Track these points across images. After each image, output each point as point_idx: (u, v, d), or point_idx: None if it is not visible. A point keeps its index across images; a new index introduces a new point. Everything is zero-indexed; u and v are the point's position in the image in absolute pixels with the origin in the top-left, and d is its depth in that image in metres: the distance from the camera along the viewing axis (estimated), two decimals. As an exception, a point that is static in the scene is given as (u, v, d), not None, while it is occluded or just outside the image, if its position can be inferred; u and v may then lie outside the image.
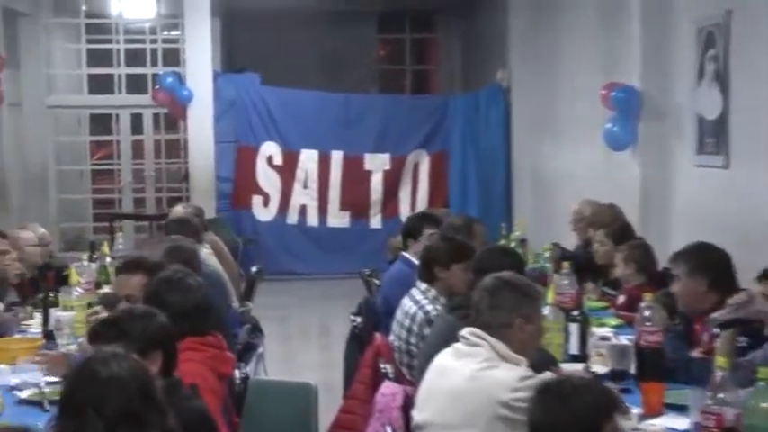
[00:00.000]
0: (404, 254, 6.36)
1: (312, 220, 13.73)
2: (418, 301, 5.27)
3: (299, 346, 10.46)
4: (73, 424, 2.60)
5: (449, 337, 3.99)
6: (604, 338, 4.92)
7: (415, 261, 5.95)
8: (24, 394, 4.34)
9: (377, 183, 13.71)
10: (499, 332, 3.73)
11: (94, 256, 7.37)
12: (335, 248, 13.52)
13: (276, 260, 12.91)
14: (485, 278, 3.92)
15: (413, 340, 5.19)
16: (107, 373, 2.68)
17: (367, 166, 13.71)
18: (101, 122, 15.15)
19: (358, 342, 6.00)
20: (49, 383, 4.37)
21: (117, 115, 14.72)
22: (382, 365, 4.98)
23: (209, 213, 11.33)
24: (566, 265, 5.55)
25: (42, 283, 6.41)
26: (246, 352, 5.66)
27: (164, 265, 4.80)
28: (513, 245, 7.00)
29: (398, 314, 5.36)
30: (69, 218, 14.64)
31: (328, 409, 5.20)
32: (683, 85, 7.87)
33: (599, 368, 4.52)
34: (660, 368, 4.18)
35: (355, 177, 13.65)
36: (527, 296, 3.83)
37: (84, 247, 11.72)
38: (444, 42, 16.78)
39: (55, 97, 14.37)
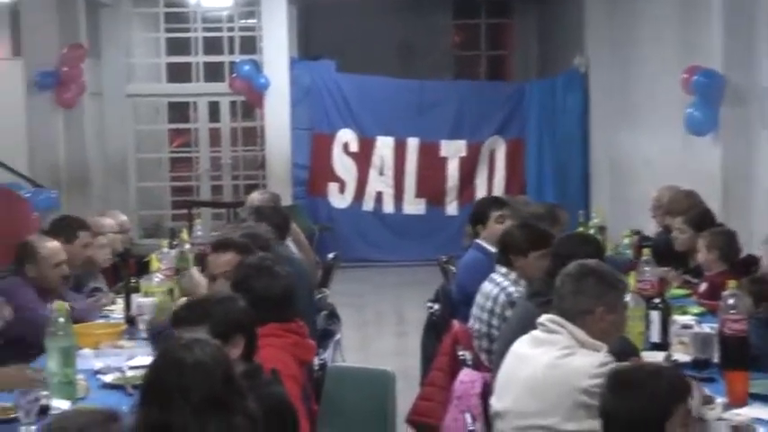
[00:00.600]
0: (477, 240, 6.34)
1: (388, 207, 13.75)
2: (499, 284, 5.24)
3: (374, 333, 10.48)
4: (157, 410, 2.62)
5: (527, 324, 3.96)
6: (686, 327, 4.84)
7: (488, 246, 5.91)
8: (108, 378, 4.41)
9: (453, 169, 13.67)
10: (579, 319, 3.69)
11: (174, 243, 7.45)
12: (411, 235, 13.52)
13: (352, 247, 12.93)
14: (570, 264, 3.87)
15: (495, 322, 5.15)
16: (192, 359, 2.70)
17: (443, 153, 13.67)
18: (179, 110, 15.32)
19: (435, 329, 5.99)
20: (131, 368, 4.44)
21: (195, 103, 14.87)
22: (460, 352, 4.96)
23: (286, 200, 11.38)
24: (646, 252, 5.47)
25: (124, 269, 6.52)
26: (324, 339, 5.67)
27: (252, 247, 4.83)
28: (591, 232, 6.93)
29: (479, 298, 5.33)
30: (148, 205, 14.84)
31: (405, 396, 5.19)
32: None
33: (681, 357, 4.46)
34: (745, 357, 4.11)
35: (431, 164, 13.63)
36: (612, 286, 3.78)
37: (162, 234, 11.88)
38: (520, 28, 16.65)
39: (134, 86, 14.56)
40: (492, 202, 6.74)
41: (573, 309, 3.71)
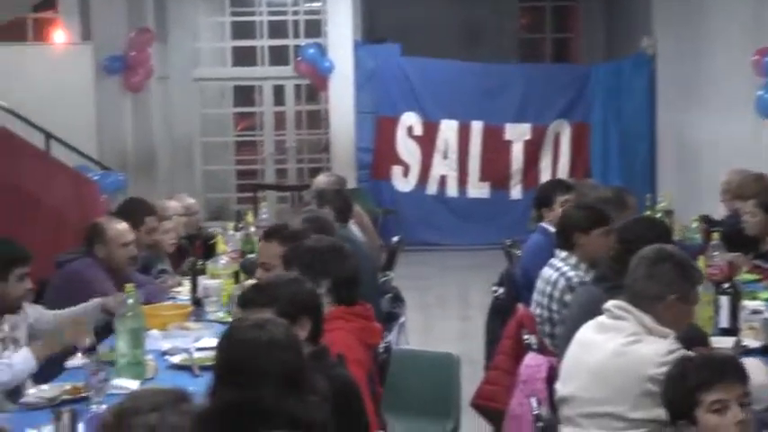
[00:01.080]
0: (541, 224, 6.29)
1: (452, 190, 13.72)
2: (559, 269, 5.20)
3: (438, 316, 10.47)
4: (234, 390, 2.63)
5: (592, 309, 3.92)
6: (756, 312, 4.77)
7: (552, 230, 5.87)
8: (175, 359, 4.46)
9: (517, 153, 13.59)
10: (649, 304, 3.64)
11: (240, 226, 7.52)
12: (475, 219, 13.48)
13: (415, 231, 12.91)
14: (649, 247, 3.80)
15: (554, 307, 5.13)
16: (266, 338, 2.70)
17: (507, 136, 13.60)
18: (244, 94, 15.42)
19: (500, 313, 5.96)
20: (198, 350, 4.48)
21: (260, 87, 14.94)
22: (525, 336, 4.93)
23: (350, 184, 11.39)
24: (715, 236, 5.38)
25: (190, 251, 6.58)
26: (388, 321, 5.68)
27: (300, 234, 4.84)
28: (658, 216, 6.84)
29: (539, 283, 5.30)
30: (213, 188, 14.96)
31: (468, 380, 5.18)
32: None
33: (750, 342, 4.39)
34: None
35: (495, 147, 13.56)
36: (687, 275, 3.71)
37: (227, 216, 11.99)
38: (586, 10, 16.46)
39: (200, 70, 14.67)
40: (557, 185, 6.69)
41: (643, 293, 3.66)
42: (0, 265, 4.46)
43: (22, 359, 4.16)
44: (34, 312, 4.76)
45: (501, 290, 6.16)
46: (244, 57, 14.93)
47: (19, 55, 12.31)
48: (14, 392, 4.29)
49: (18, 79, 11.73)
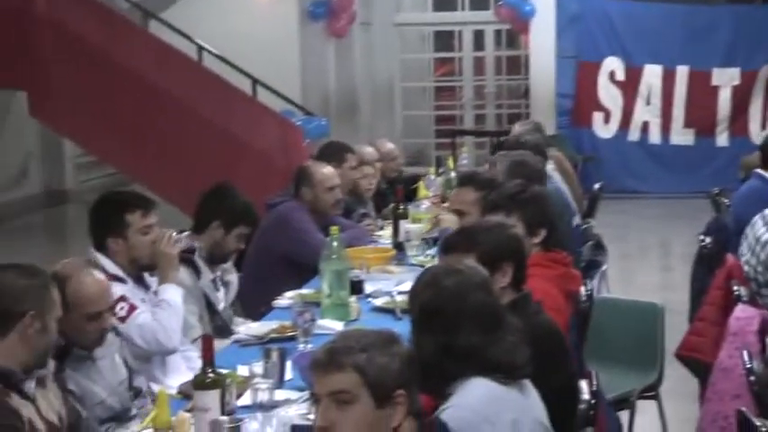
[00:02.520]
0: (758, 170, 6.01)
1: (654, 137, 13.33)
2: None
3: (638, 266, 10.23)
4: (431, 336, 2.63)
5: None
6: None
7: (770, 176, 5.60)
8: (378, 302, 4.51)
9: (724, 99, 13.07)
10: None
11: (440, 171, 7.54)
12: (678, 167, 13.10)
13: (615, 178, 12.60)
14: None
15: (760, 269, 4.86)
16: (460, 282, 2.68)
17: (714, 82, 13.09)
18: (444, 39, 15.38)
19: (706, 263, 5.75)
20: (400, 293, 4.51)
21: (460, 32, 14.87)
22: (735, 287, 4.73)
23: (549, 130, 11.23)
24: None
25: (391, 196, 6.63)
26: (590, 269, 5.57)
27: (497, 180, 4.78)
28: None
29: (748, 237, 5.03)
30: (412, 134, 15.04)
31: (672, 330, 5.04)
32: None
33: None
34: None
35: (701, 93, 13.09)
36: None
37: (425, 162, 12.04)
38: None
39: (402, 15, 14.72)
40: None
41: None
42: (229, 217, 4.56)
43: (172, 293, 4.01)
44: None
45: (708, 239, 5.93)
46: (444, 2, 14.88)
47: (227, 3, 12.65)
48: (224, 329, 4.44)
49: (225, 26, 12.08)
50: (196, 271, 4.42)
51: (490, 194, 4.35)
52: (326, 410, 2.25)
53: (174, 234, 4.11)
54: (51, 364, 3.25)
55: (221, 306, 4.55)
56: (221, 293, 4.61)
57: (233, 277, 4.78)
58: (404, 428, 2.23)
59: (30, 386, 2.98)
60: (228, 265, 4.78)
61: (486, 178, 4.90)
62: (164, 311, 3.91)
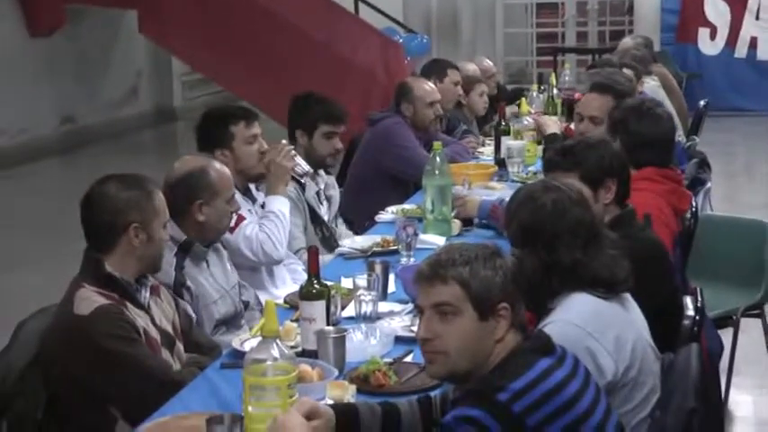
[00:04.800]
0: None
1: (763, 53, 12.86)
2: None
3: (743, 184, 9.97)
4: (533, 252, 2.60)
5: None
6: None
7: None
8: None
9: (836, 12, 12.56)
10: None
11: (542, 88, 7.43)
12: (787, 84, 12.67)
13: (721, 96, 12.24)
14: None
15: None
16: (555, 199, 2.64)
17: (825, -6, 12.57)
18: (547, -45, 15.03)
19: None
20: (502, 208, 4.47)
21: (563, -53, 14.52)
22: None
23: (654, 47, 10.95)
24: None
25: (493, 112, 6.57)
26: (694, 187, 5.45)
27: (631, 93, 4.66)
28: None
29: None
30: (513, 51, 14.80)
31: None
32: None
33: None
34: None
35: (813, 6, 12.58)
36: None
37: (526, 80, 11.87)
38: None
39: (504, -68, 14.41)
40: None
41: None
42: (306, 121, 4.57)
43: (281, 205, 4.04)
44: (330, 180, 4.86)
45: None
46: None
47: None
48: (329, 241, 4.47)
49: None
50: (301, 185, 4.44)
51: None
52: (429, 322, 2.24)
53: (291, 149, 4.15)
54: (172, 263, 3.33)
55: (325, 218, 4.58)
56: (324, 207, 4.63)
57: (335, 192, 4.80)
58: (507, 341, 2.22)
59: (144, 295, 3.05)
60: (331, 180, 4.79)
61: (622, 89, 4.77)
62: (271, 222, 3.95)
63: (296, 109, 4.66)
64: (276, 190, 4.06)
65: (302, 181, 4.41)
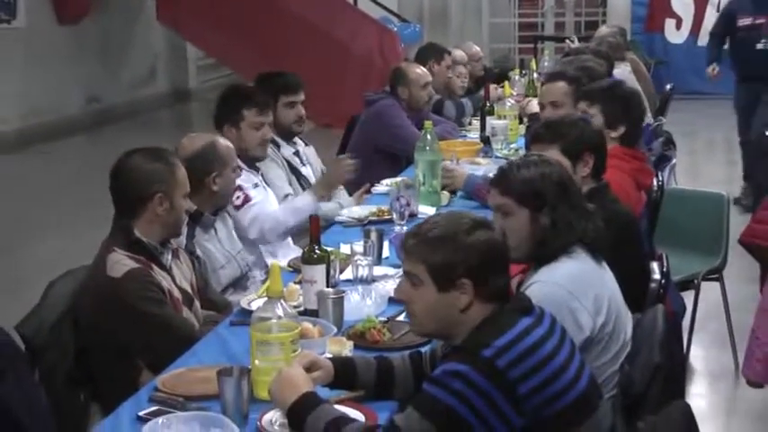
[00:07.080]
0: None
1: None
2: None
3: (705, 160, 9.97)
4: (545, 213, 2.58)
5: None
6: None
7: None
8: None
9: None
10: None
11: (523, 72, 7.40)
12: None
13: (685, 81, 12.15)
14: None
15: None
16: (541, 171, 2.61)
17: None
18: (528, -49, 14.92)
19: (769, 157, 5.57)
20: (486, 181, 4.44)
21: (543, -56, 14.40)
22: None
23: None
24: None
25: (477, 93, 6.55)
26: (660, 163, 5.44)
27: (580, 78, 4.63)
28: None
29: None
30: (498, 39, 14.72)
31: (735, 220, 4.92)
32: None
33: None
34: None
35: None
36: None
37: (510, 65, 11.79)
38: None
39: (489, -73, 14.29)
40: None
41: None
42: (264, 98, 4.24)
43: (306, 203, 4.07)
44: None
45: (771, 135, 5.74)
46: None
47: None
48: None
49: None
50: (276, 144, 4.41)
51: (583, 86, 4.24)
52: (401, 286, 2.28)
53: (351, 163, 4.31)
54: (183, 232, 3.33)
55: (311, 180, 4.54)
56: (308, 169, 4.59)
57: (316, 161, 4.74)
58: (474, 310, 2.17)
59: (167, 258, 3.04)
60: (310, 150, 4.72)
61: (572, 75, 4.74)
62: (286, 209, 4.01)
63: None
64: (319, 191, 4.15)
65: (276, 141, 4.40)
